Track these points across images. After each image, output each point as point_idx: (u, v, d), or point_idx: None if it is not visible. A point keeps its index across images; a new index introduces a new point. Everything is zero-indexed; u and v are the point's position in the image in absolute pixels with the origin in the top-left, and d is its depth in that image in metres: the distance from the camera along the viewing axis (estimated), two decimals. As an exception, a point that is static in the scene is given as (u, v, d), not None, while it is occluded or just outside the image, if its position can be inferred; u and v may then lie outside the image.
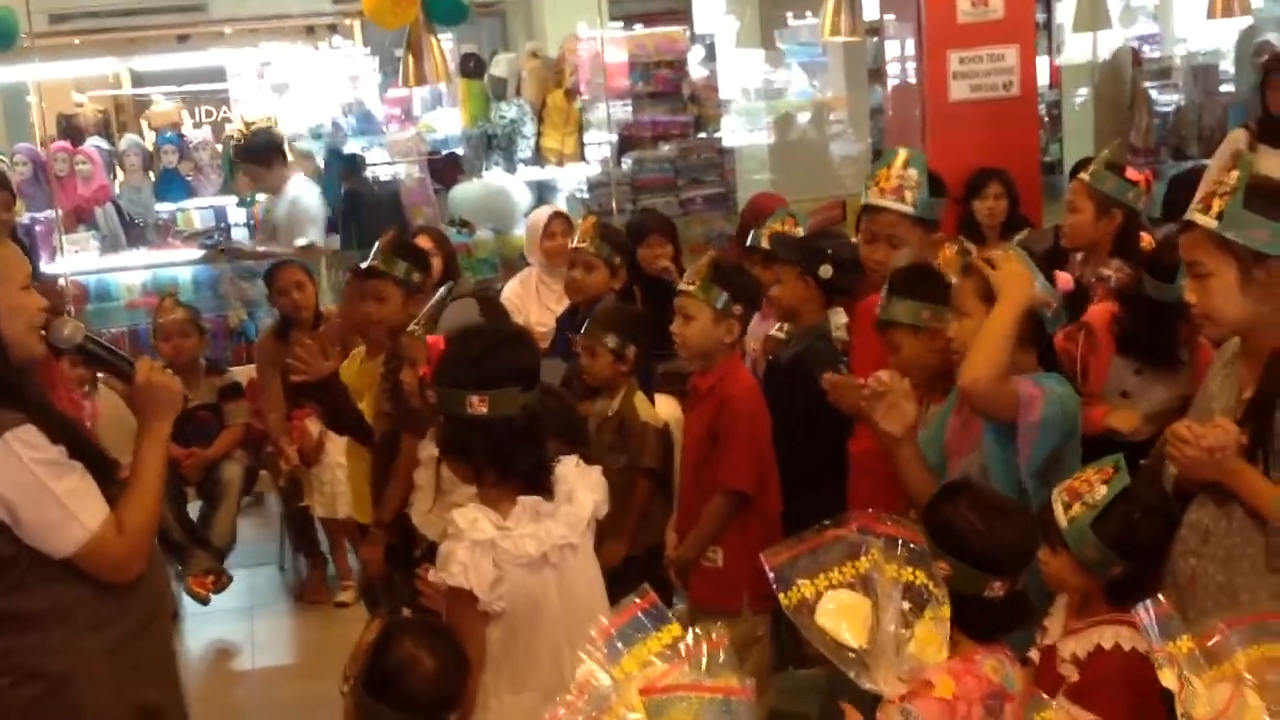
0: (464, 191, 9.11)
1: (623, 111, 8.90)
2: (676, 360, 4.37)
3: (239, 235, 9.36)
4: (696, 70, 9.22)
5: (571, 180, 9.16)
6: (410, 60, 6.24)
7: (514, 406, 2.65)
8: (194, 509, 6.06)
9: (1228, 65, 10.27)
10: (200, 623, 5.94)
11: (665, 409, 4.22)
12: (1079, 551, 2.56)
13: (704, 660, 1.50)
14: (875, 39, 8.22)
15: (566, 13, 9.76)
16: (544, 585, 2.69)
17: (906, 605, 1.59)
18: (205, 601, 5.82)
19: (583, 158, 9.04)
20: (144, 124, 11.03)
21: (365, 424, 4.42)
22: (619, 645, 1.53)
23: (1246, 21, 9.23)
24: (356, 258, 7.95)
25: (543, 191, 9.39)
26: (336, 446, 5.74)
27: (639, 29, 9.50)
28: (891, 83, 7.08)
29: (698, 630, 1.54)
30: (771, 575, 1.73)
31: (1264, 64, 5.81)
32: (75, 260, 8.37)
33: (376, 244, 4.43)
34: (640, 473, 4.08)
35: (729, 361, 3.94)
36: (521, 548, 2.65)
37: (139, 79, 12.12)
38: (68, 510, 2.52)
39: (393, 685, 2.36)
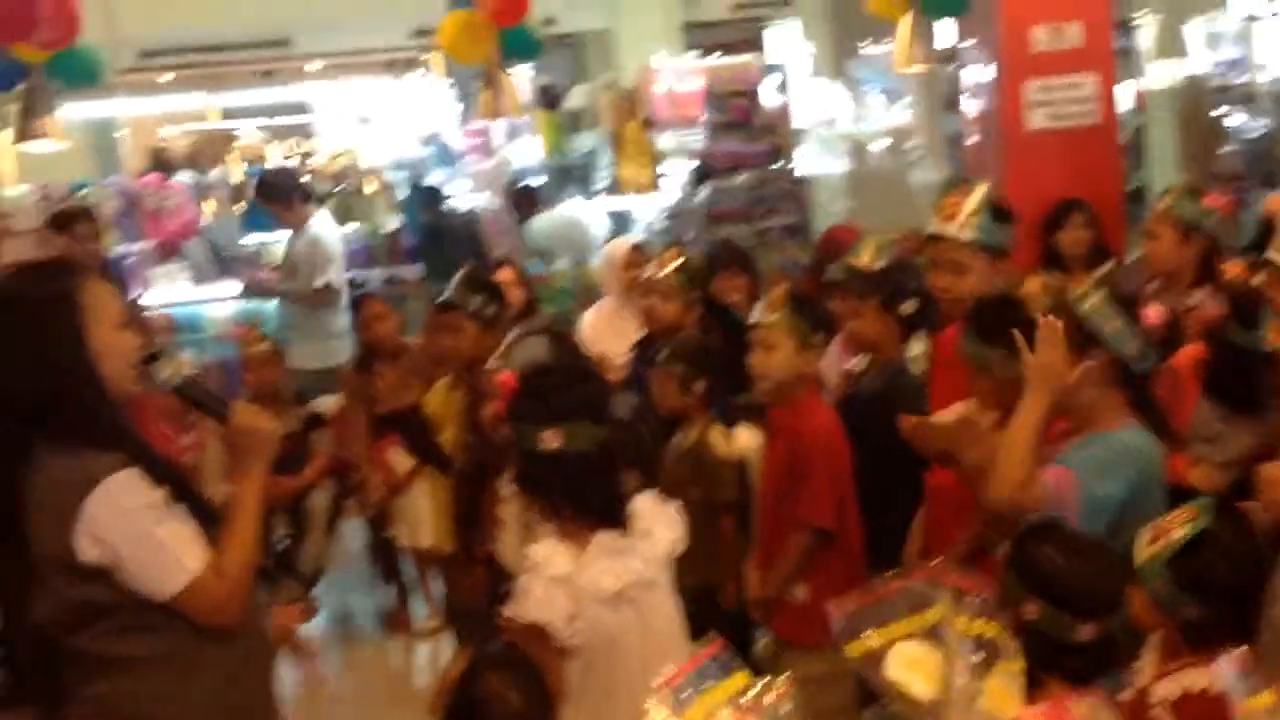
0: (542, 222, 9.21)
1: (698, 142, 8.96)
2: (753, 393, 4.40)
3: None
4: (770, 99, 9.26)
5: (648, 210, 9.22)
6: (486, 93, 6.33)
7: (587, 440, 2.69)
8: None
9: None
10: (287, 651, 6.02)
11: (747, 440, 4.22)
12: (1151, 588, 2.54)
13: (770, 713, 1.50)
14: (952, 66, 8.22)
15: (642, 43, 9.86)
16: (622, 622, 2.72)
17: (977, 658, 1.58)
18: (293, 631, 5.88)
19: (658, 187, 9.10)
20: (231, 157, 11.29)
21: (444, 454, 4.50)
22: (687, 692, 1.54)
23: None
24: (437, 289, 8.08)
25: (620, 221, 9.46)
26: (421, 476, 5.83)
27: (714, 59, 9.57)
28: (969, 112, 7.05)
29: (764, 680, 1.54)
30: (837, 625, 1.73)
31: None
32: (164, 292, 8.56)
33: (453, 277, 4.51)
34: (721, 508, 4.09)
35: (808, 395, 3.95)
36: (598, 583, 2.69)
37: (227, 113, 12.40)
38: (169, 554, 2.55)
39: (478, 718, 2.39)
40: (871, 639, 1.65)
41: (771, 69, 9.43)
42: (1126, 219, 6.68)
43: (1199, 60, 9.66)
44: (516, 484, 2.86)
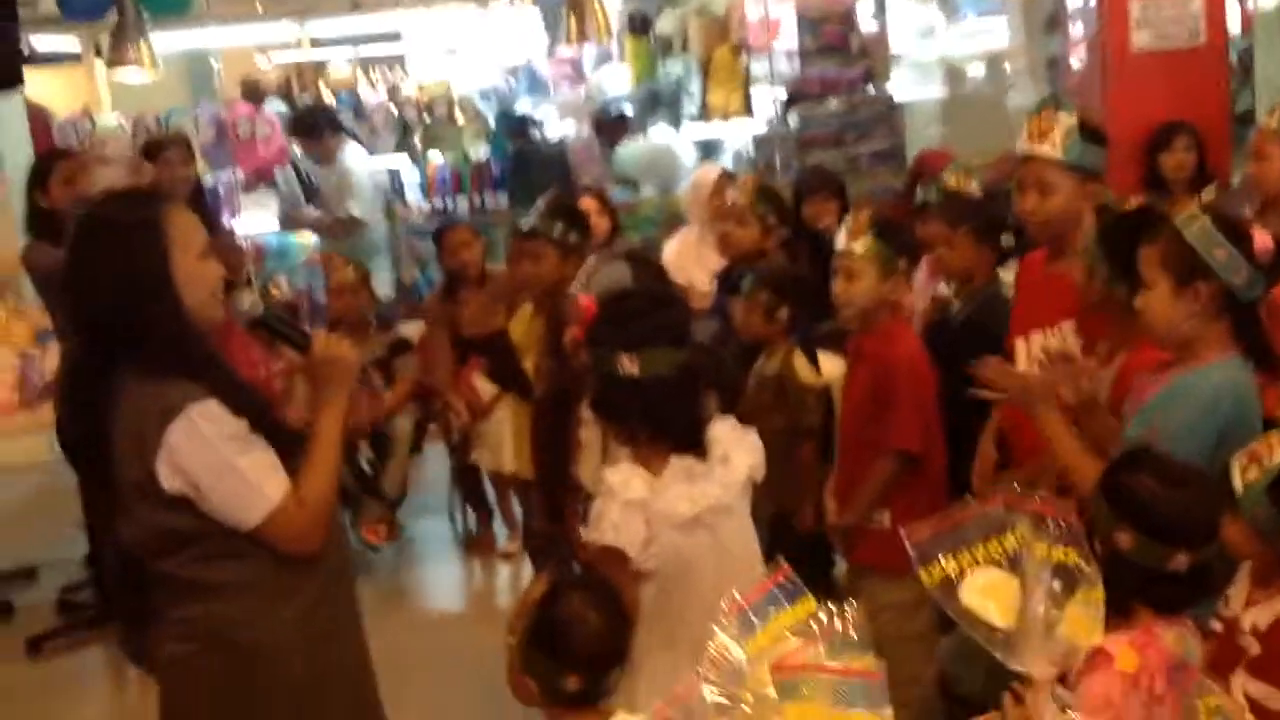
0: (629, 150, 9.12)
1: (790, 67, 8.78)
2: (836, 320, 4.32)
3: (412, 195, 9.54)
4: (866, 23, 9.04)
5: (738, 137, 9.08)
6: (572, 19, 6.24)
7: (666, 365, 2.64)
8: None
9: None
10: (372, 570, 6.11)
11: (829, 368, 4.15)
12: (1252, 517, 2.44)
13: (836, 640, 1.45)
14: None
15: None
16: (697, 547, 2.68)
17: (1057, 585, 1.51)
18: (377, 550, 5.98)
19: (749, 113, 8.96)
20: (322, 86, 11.31)
21: (528, 380, 4.48)
22: (753, 619, 1.49)
23: None
24: (525, 218, 8.04)
25: (708, 149, 9.34)
26: (504, 402, 5.84)
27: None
28: (1071, 32, 6.82)
29: (832, 607, 1.48)
30: (912, 551, 1.66)
31: None
32: (254, 220, 8.63)
33: (536, 204, 4.47)
34: (803, 435, 4.03)
35: (893, 321, 3.86)
36: (674, 508, 2.65)
37: (317, 42, 12.41)
38: (250, 484, 2.55)
39: (559, 640, 2.36)
40: (947, 564, 1.58)
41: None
42: (1232, 142, 6.46)
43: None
44: (593, 408, 2.81)
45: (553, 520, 4.45)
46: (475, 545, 6.33)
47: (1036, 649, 1.49)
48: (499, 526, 6.37)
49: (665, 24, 9.62)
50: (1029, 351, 3.59)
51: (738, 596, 1.53)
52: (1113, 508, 2.32)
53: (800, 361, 4.16)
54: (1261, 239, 2.90)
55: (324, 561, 2.70)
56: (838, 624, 1.46)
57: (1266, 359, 2.90)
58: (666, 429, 2.68)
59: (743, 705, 1.39)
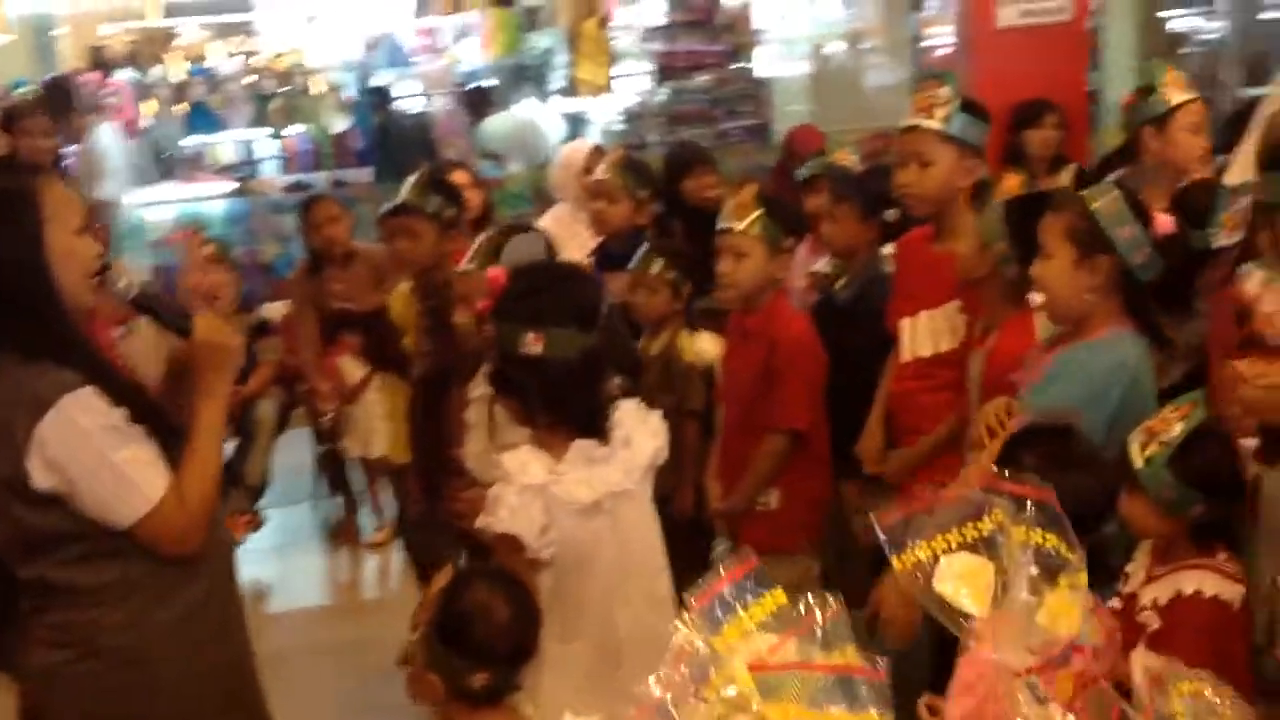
0: (494, 124, 8.99)
1: (657, 41, 8.73)
2: (712, 297, 4.27)
3: (269, 169, 9.27)
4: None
5: (604, 112, 9.00)
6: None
7: (571, 347, 2.54)
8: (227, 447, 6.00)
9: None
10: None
11: (710, 346, 4.10)
12: (1156, 493, 2.45)
13: (819, 633, 1.37)
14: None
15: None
16: (596, 534, 2.59)
17: (1036, 571, 1.45)
18: (239, 542, 5.78)
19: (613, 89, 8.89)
20: (171, 57, 10.92)
21: (406, 360, 4.34)
22: (718, 614, 1.40)
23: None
24: (391, 190, 7.85)
25: (575, 123, 9.25)
26: (374, 384, 5.69)
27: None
28: (935, 10, 6.87)
29: (810, 598, 1.41)
30: (883, 537, 1.60)
31: None
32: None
33: (407, 179, 4.32)
34: (687, 415, 3.98)
35: (777, 299, 3.82)
36: (573, 494, 2.55)
37: (168, 10, 11.98)
38: (128, 481, 2.38)
39: (465, 633, 2.27)
40: (920, 550, 1.51)
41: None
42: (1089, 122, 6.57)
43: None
44: (493, 385, 2.70)
45: (430, 505, 4.34)
46: (341, 535, 6.16)
47: (1015, 638, 1.44)
48: (366, 515, 6.21)
49: (531, -3, 9.50)
50: (914, 332, 3.58)
51: (700, 590, 1.44)
52: None
53: (686, 339, 4.10)
54: (1162, 222, 2.92)
55: (206, 562, 2.55)
56: (818, 617, 1.39)
57: (1158, 336, 2.92)
58: (567, 412, 2.58)
59: (716, 703, 1.31)
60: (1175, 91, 4.19)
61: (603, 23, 8.91)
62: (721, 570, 1.47)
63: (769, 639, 1.38)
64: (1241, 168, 4.44)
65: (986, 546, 1.49)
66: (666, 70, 8.56)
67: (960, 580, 1.49)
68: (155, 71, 9.78)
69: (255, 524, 5.85)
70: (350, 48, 10.38)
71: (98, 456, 2.35)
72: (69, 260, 2.41)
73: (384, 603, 5.63)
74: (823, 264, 4.44)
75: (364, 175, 9.03)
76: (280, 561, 5.97)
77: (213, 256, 5.94)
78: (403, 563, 5.41)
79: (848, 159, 4.62)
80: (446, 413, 4.10)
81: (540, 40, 9.33)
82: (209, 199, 8.48)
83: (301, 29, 10.82)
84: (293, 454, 6.32)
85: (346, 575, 5.90)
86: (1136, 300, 2.89)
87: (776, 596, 1.43)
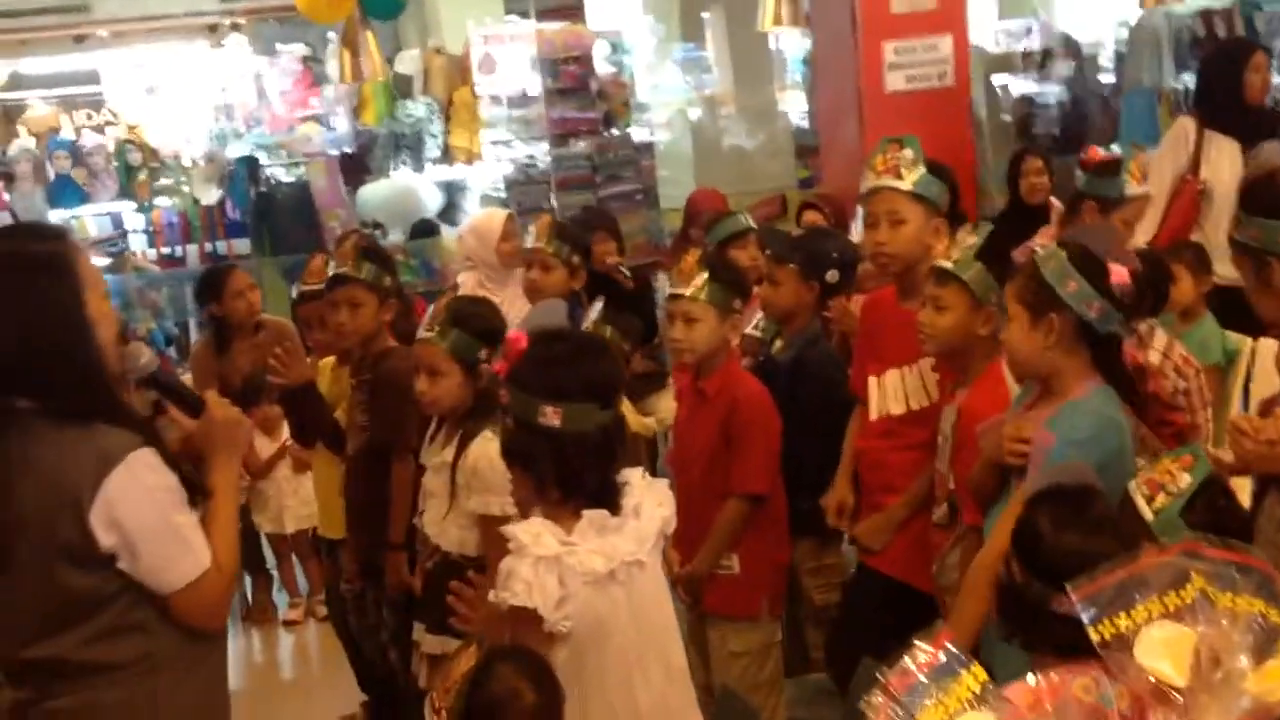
0: (372, 192, 8.89)
1: (531, 109, 8.74)
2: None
3: (137, 242, 9.01)
4: (602, 66, 9.10)
5: (480, 179, 8.98)
6: (346, 56, 6.02)
7: (589, 422, 2.50)
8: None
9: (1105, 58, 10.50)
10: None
11: (664, 411, 4.10)
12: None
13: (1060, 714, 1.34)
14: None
15: (461, 8, 9.56)
16: (613, 604, 2.54)
17: (1247, 639, 1.44)
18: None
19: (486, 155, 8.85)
20: (22, 129, 10.55)
21: (341, 433, 4.25)
22: (913, 699, 1.36)
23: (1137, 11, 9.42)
24: (272, 263, 7.72)
25: (452, 191, 9.21)
26: (284, 461, 5.58)
27: (543, 23, 9.35)
28: (824, 74, 7.04)
29: (1038, 676, 1.38)
30: (1079, 606, 1.57)
31: (1235, 52, 5.75)
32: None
33: (328, 253, 4.26)
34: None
35: (730, 361, 3.84)
36: (588, 564, 2.50)
37: (11, 82, 11.58)
38: (185, 544, 2.36)
39: (493, 718, 2.21)
40: (1120, 621, 1.49)
41: (602, 34, 9.27)
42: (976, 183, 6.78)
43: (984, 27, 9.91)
44: (504, 454, 2.64)
45: (366, 580, 4.24)
46: (254, 614, 5.97)
47: (1219, 707, 1.42)
48: (278, 593, 6.03)
49: (404, 64, 9.43)
50: (883, 390, 3.63)
51: (895, 674, 1.40)
52: (1013, 543, 2.35)
53: (629, 409, 4.08)
54: (1117, 273, 2.99)
55: (222, 636, 2.52)
56: (1033, 700, 1.35)
57: (1126, 389, 2.99)
58: (580, 486, 2.53)
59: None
60: (1135, 181, 4.40)
61: (475, 90, 8.89)
62: (920, 648, 1.43)
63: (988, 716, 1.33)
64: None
65: (1190, 614, 1.47)
66: (550, 137, 8.57)
67: (1163, 650, 1.47)
68: (17, 145, 9.42)
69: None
70: (206, 119, 10.12)
71: (161, 517, 2.33)
72: (104, 323, 2.41)
73: (303, 684, 5.45)
74: (758, 324, 4.48)
75: (239, 247, 8.84)
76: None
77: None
78: (321, 642, 5.27)
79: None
80: (385, 488, 4.02)
81: (416, 109, 9.27)
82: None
83: (151, 100, 10.50)
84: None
85: (262, 656, 5.70)
86: (1103, 354, 2.97)
87: (977, 675, 1.39)
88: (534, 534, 2.49)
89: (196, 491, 2.46)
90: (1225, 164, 5.27)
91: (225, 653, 2.60)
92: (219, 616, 2.47)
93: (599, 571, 2.51)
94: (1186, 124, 5.44)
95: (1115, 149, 6.85)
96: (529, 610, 2.45)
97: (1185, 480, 2.49)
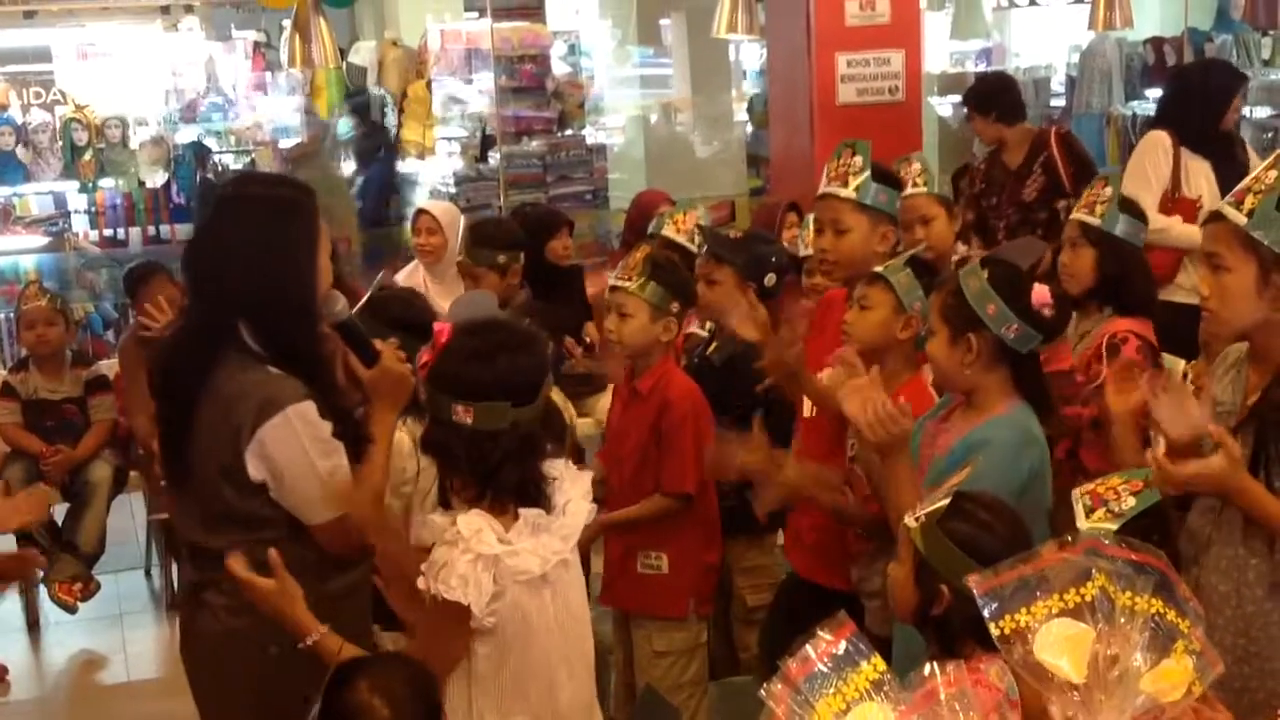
0: (319, 184, 8.81)
1: (484, 105, 8.71)
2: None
3: (80, 223, 8.89)
4: (559, 66, 9.09)
5: (432, 174, 8.93)
6: (297, 41, 5.96)
7: (502, 420, 2.47)
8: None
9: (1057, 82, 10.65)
10: (67, 632, 5.60)
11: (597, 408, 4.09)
12: None
13: (954, 703, 1.34)
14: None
15: (420, 1, 9.53)
16: (541, 604, 2.53)
17: (1144, 637, 1.44)
18: (73, 610, 5.49)
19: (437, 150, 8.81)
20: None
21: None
22: (816, 686, 1.35)
23: (1088, 36, 9.54)
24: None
25: (403, 185, 9.16)
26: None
27: (498, 22, 9.33)
28: (776, 84, 7.07)
29: (935, 666, 1.38)
30: (981, 601, 1.57)
31: (1229, 82, 5.74)
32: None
33: None
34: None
35: (665, 361, 3.84)
36: (525, 565, 2.48)
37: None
38: (326, 489, 2.66)
39: None
40: (1021, 616, 1.49)
41: (560, 34, 9.27)
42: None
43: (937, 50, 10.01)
44: (423, 448, 2.63)
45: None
46: (178, 600, 5.87)
47: (1114, 705, 1.43)
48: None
49: (358, 56, 9.37)
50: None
51: (795, 663, 1.39)
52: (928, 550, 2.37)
53: (564, 403, 4.07)
54: (1039, 294, 3.02)
55: (365, 556, 2.77)
56: (933, 689, 1.35)
57: (1045, 407, 3.01)
58: (497, 483, 2.50)
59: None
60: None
61: (430, 85, 8.85)
62: (822, 638, 1.43)
63: (884, 712, 1.34)
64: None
65: (1089, 611, 1.48)
66: (501, 134, 8.54)
67: (1062, 647, 1.48)
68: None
69: (89, 590, 5.55)
70: (158, 102, 10.01)
71: (307, 464, 2.65)
72: (325, 276, 2.72)
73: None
74: (695, 326, 4.48)
75: (183, 232, 8.72)
76: (116, 631, 5.65)
77: (49, 309, 5.66)
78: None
79: (695, 219, 4.74)
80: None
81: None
82: (19, 253, 8.09)
83: (106, 81, 10.37)
84: (125, 518, 6.04)
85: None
86: (1023, 372, 2.99)
87: (876, 665, 1.39)
88: (475, 529, 2.45)
89: (360, 439, 2.74)
90: (1204, 183, 5.29)
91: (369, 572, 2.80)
92: (353, 546, 2.73)
93: (535, 573, 2.50)
94: (1161, 138, 5.38)
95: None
96: (460, 606, 2.43)
97: (1129, 503, 2.46)
